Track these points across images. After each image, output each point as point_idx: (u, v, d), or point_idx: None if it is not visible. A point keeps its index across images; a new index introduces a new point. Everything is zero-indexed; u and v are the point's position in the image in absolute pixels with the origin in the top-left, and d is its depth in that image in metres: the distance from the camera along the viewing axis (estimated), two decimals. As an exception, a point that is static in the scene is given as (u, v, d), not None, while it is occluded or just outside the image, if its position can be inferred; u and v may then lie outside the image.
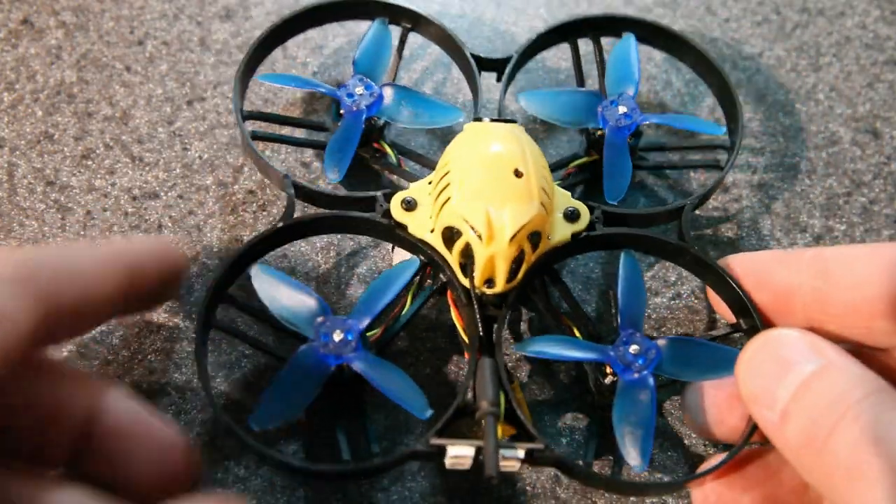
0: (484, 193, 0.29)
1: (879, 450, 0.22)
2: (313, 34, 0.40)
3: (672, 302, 0.35)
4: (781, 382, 0.25)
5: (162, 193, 0.36)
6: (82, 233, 0.35)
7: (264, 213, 0.36)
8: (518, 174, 0.29)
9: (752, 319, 0.29)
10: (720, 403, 0.29)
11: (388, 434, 0.32)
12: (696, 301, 0.35)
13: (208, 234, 0.36)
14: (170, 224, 0.36)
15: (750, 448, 0.28)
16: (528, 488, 0.31)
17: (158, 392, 0.33)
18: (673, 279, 0.35)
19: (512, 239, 0.28)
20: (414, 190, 0.31)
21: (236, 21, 0.41)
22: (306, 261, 0.35)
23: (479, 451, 0.27)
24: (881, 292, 0.27)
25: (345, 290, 0.35)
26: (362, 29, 0.40)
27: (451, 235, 0.30)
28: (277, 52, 0.39)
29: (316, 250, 0.35)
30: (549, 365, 0.33)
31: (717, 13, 0.42)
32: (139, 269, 0.28)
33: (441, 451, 0.27)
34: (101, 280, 0.26)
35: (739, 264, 0.30)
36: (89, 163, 0.37)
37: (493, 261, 0.29)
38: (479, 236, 0.29)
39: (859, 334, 0.28)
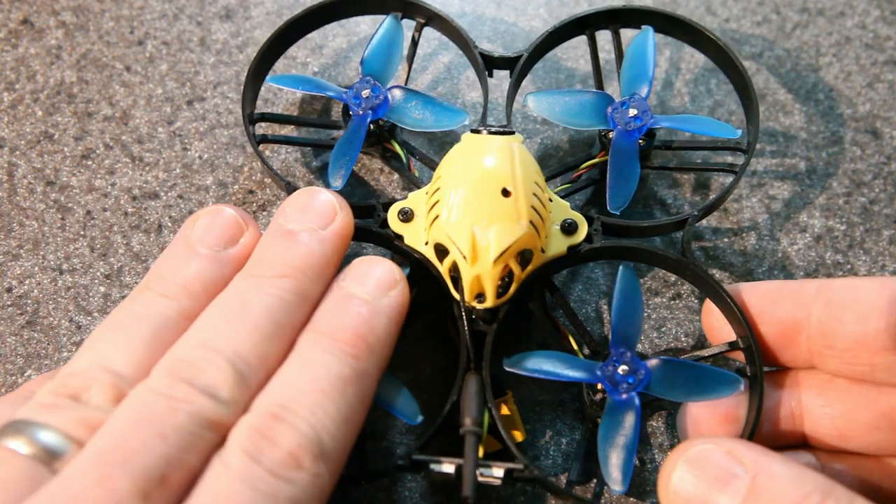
0: (470, 213, 0.29)
1: None
2: (313, 34, 0.40)
3: (672, 302, 0.35)
4: (722, 503, 0.23)
5: (162, 193, 0.36)
6: (82, 233, 0.35)
7: (264, 213, 0.36)
8: (506, 193, 0.29)
9: (748, 339, 0.29)
10: (714, 426, 0.29)
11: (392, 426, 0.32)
12: (695, 301, 0.35)
13: (208, 234, 0.36)
14: (170, 224, 0.36)
15: None
16: (528, 488, 0.31)
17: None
18: (673, 279, 0.35)
19: (497, 260, 0.28)
20: (411, 200, 0.31)
21: (236, 21, 0.41)
22: (306, 261, 0.35)
23: (459, 468, 0.27)
24: (888, 326, 0.26)
25: (345, 290, 0.35)
26: (362, 29, 0.40)
27: (441, 250, 0.30)
28: (277, 52, 0.39)
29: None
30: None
31: (717, 13, 0.42)
32: None
33: (424, 465, 0.27)
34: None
35: (745, 294, 0.30)
36: (89, 163, 0.37)
37: (480, 280, 0.29)
38: (465, 257, 0.28)
39: (861, 371, 0.28)
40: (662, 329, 0.34)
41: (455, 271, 0.29)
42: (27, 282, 0.35)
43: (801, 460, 0.29)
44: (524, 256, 0.29)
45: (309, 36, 0.40)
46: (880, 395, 0.28)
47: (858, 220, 0.36)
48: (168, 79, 0.39)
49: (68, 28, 0.40)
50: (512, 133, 0.31)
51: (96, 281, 0.35)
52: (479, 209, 0.29)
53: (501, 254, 0.28)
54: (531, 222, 0.29)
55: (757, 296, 0.30)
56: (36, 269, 0.35)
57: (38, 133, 0.38)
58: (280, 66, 0.39)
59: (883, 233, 0.36)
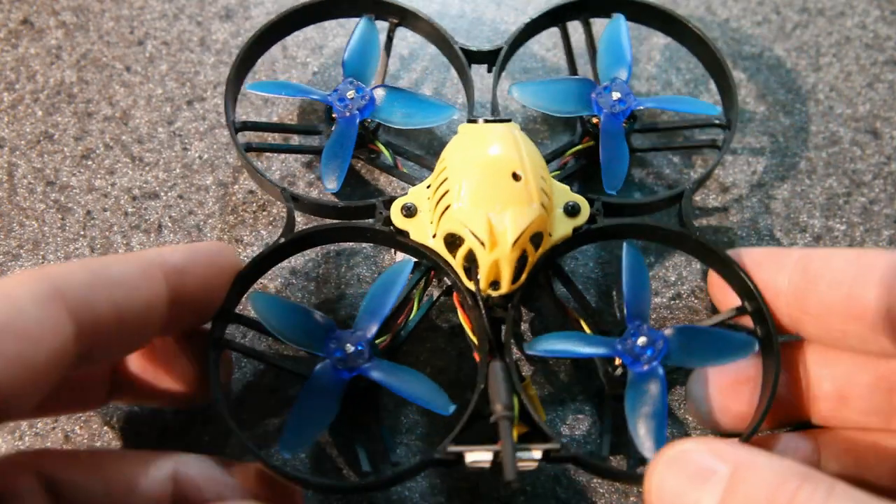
0: (483, 199, 0.29)
1: None
2: (313, 34, 0.40)
3: (672, 302, 0.35)
4: (701, 503, 0.23)
5: (162, 193, 0.36)
6: (82, 233, 0.35)
7: (264, 213, 0.36)
8: (516, 177, 0.29)
9: (756, 302, 0.30)
10: (724, 391, 0.30)
11: (397, 437, 0.32)
12: (695, 301, 0.35)
13: (208, 234, 0.36)
14: (170, 224, 0.36)
15: (761, 434, 0.29)
16: (528, 488, 0.31)
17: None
18: (673, 279, 0.35)
19: (514, 243, 0.28)
20: (413, 195, 0.31)
21: (236, 21, 0.41)
22: (307, 260, 0.35)
23: (496, 454, 0.27)
24: (858, 294, 0.27)
25: (345, 289, 0.35)
26: (362, 29, 0.40)
27: (453, 241, 0.30)
28: (277, 53, 0.39)
29: (315, 249, 0.35)
30: (554, 359, 0.33)
31: (717, 13, 0.42)
32: (179, 276, 0.27)
33: (459, 457, 0.27)
34: (137, 288, 0.25)
35: (736, 259, 0.31)
36: (89, 163, 0.37)
37: (497, 265, 0.29)
38: (482, 243, 0.28)
39: (834, 337, 0.28)
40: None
41: (469, 260, 0.29)
42: (27, 282, 0.35)
43: (798, 445, 0.29)
44: (536, 239, 0.30)
45: (309, 35, 0.40)
46: (878, 361, 0.29)
47: (858, 220, 0.36)
48: (168, 79, 0.39)
49: (68, 28, 0.40)
50: (508, 121, 0.32)
51: (96, 281, 0.35)
52: (492, 195, 0.29)
53: (519, 237, 0.28)
54: (541, 204, 0.29)
55: (747, 260, 0.30)
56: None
57: (38, 133, 0.38)
58: (280, 66, 0.39)
59: (883, 233, 0.36)
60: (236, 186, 0.36)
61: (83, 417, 0.32)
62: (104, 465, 0.26)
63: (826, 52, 0.41)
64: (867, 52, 0.41)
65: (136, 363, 0.29)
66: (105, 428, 0.32)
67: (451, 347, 0.33)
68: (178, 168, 0.37)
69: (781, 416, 0.30)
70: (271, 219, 0.36)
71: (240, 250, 0.35)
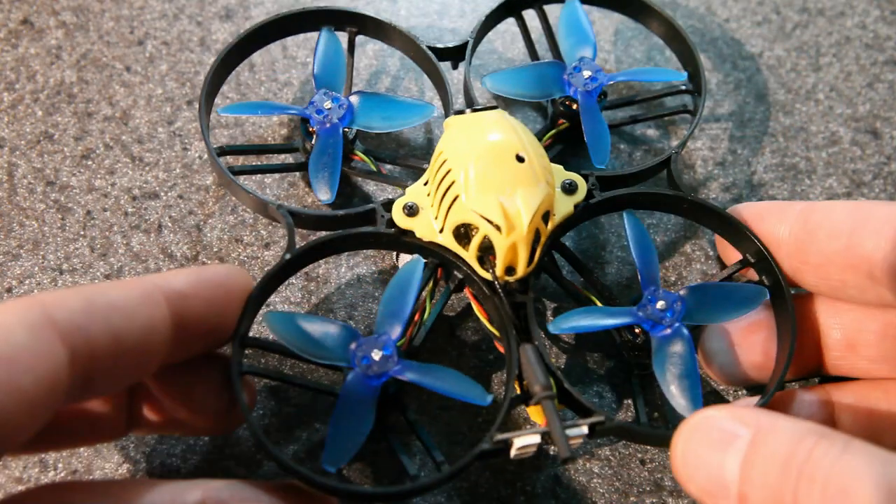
0: (492, 184, 0.29)
1: (849, 499, 0.21)
2: (313, 34, 0.40)
3: (672, 302, 0.35)
4: (724, 466, 0.24)
5: (162, 193, 0.36)
6: (82, 233, 0.35)
7: (264, 213, 0.36)
8: (520, 159, 0.29)
9: (759, 252, 0.30)
10: (739, 343, 0.31)
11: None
12: (695, 301, 0.35)
13: (208, 234, 0.36)
14: (170, 224, 0.36)
15: (790, 389, 0.30)
16: (528, 488, 0.31)
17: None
18: (673, 279, 0.35)
19: (530, 223, 0.29)
20: (411, 194, 0.31)
21: (236, 21, 0.41)
22: (306, 261, 0.35)
23: (544, 435, 0.27)
24: (856, 244, 0.27)
25: (345, 289, 0.35)
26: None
27: (464, 232, 0.30)
28: (277, 53, 0.39)
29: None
30: (559, 340, 0.34)
31: (717, 13, 0.42)
32: (183, 300, 0.25)
33: (507, 445, 0.27)
34: (135, 312, 0.24)
35: (739, 213, 0.31)
36: (89, 163, 0.37)
37: (515, 248, 0.29)
38: (498, 228, 0.29)
39: (834, 287, 0.29)
40: (662, 329, 0.34)
41: (483, 249, 0.29)
42: (27, 282, 0.35)
43: (811, 399, 0.30)
44: (546, 218, 0.30)
45: (308, 36, 0.40)
46: (885, 310, 0.29)
47: (858, 220, 0.36)
48: (168, 79, 0.39)
49: (68, 28, 0.40)
50: (495, 107, 0.32)
51: (96, 281, 0.35)
52: (500, 179, 0.29)
53: (533, 216, 0.29)
54: (547, 182, 0.30)
55: (748, 213, 0.31)
56: (36, 268, 0.35)
57: (38, 133, 0.38)
58: (280, 66, 0.39)
59: (883, 233, 0.36)
60: (236, 186, 0.36)
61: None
62: (130, 496, 0.25)
63: (826, 52, 0.41)
64: (867, 52, 0.41)
65: (154, 393, 0.28)
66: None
67: (452, 347, 0.33)
68: (178, 168, 0.37)
69: (796, 367, 0.31)
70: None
71: (240, 250, 0.35)
